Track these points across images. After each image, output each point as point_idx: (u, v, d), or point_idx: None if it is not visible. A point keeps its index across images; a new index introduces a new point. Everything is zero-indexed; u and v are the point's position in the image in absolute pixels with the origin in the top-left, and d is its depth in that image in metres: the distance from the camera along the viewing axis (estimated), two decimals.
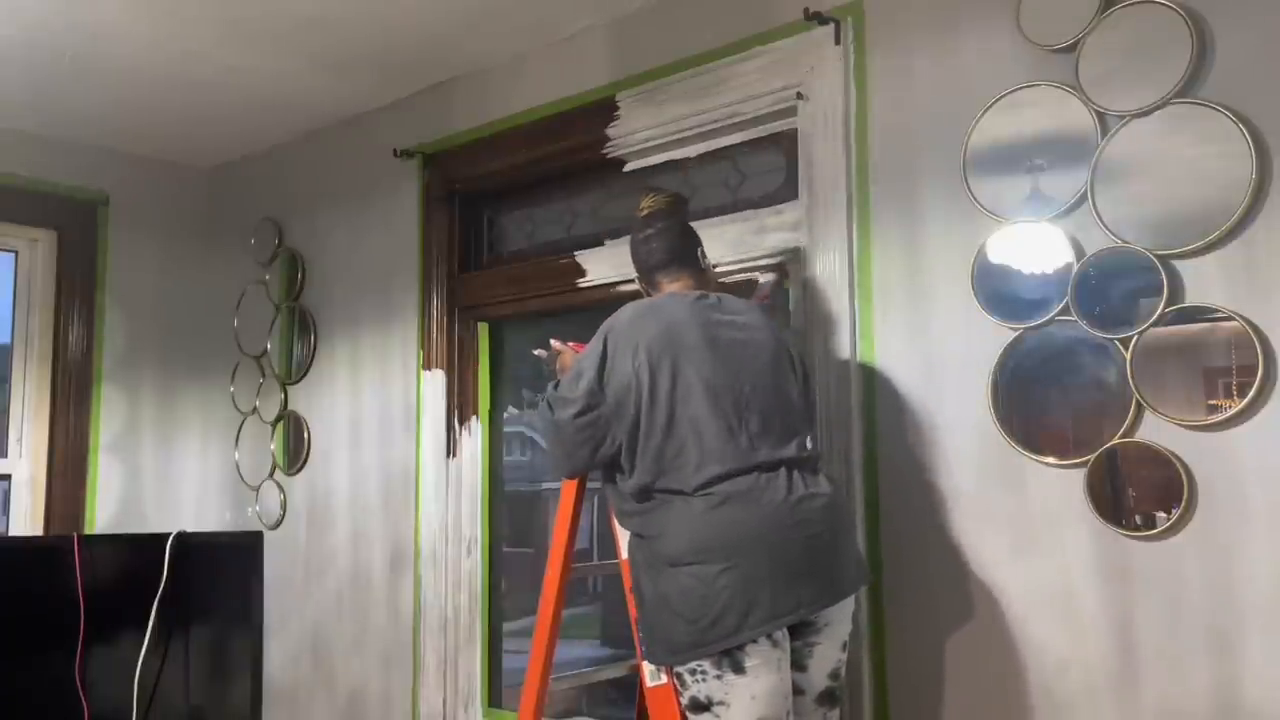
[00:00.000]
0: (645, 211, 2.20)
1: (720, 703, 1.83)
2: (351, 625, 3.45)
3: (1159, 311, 1.94)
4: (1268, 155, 1.86)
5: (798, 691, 1.93)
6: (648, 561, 1.94)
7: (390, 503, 3.36)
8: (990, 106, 2.17)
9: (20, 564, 2.30)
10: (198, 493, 4.04)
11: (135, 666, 2.23)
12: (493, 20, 2.91)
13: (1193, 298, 1.93)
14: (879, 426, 2.31)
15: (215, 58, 3.12)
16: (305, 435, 3.66)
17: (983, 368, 2.16)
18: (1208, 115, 1.91)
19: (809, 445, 1.98)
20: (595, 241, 2.98)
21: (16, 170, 3.68)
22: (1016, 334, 2.12)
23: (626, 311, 2.07)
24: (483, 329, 3.29)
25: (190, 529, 2.55)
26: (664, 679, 1.98)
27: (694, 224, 2.28)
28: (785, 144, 2.59)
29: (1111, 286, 2.01)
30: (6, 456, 3.70)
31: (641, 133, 2.79)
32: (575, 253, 2.98)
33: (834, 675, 1.96)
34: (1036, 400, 2.11)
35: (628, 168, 2.91)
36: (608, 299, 2.80)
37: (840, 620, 1.94)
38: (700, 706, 1.85)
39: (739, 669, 1.81)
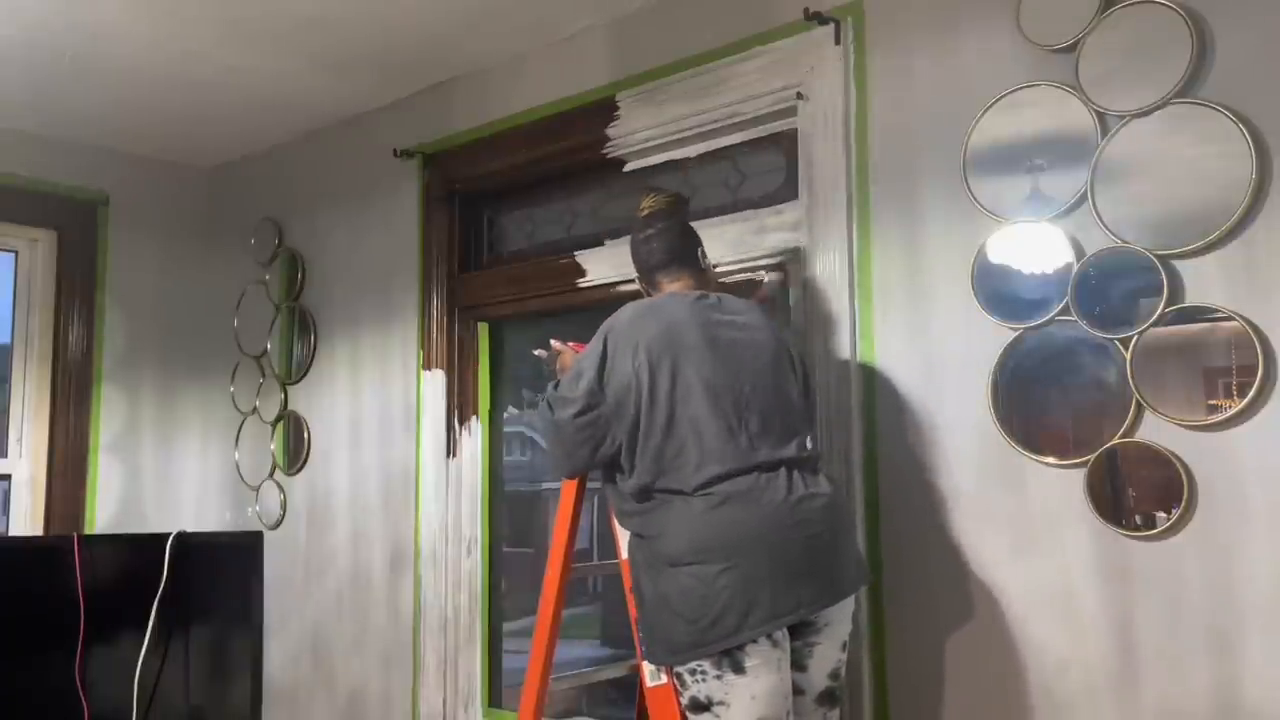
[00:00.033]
0: (645, 211, 2.21)
1: (720, 703, 1.83)
2: (351, 625, 3.45)
3: (1159, 311, 1.94)
4: (1268, 155, 1.86)
5: (798, 691, 1.93)
6: (648, 561, 1.94)
7: (390, 503, 3.36)
8: (990, 106, 2.17)
9: (20, 564, 2.30)
10: (198, 493, 4.04)
11: (135, 666, 2.23)
12: (493, 20, 2.91)
13: (1193, 298, 1.93)
14: (879, 426, 2.31)
15: (215, 58, 3.12)
16: (305, 435, 3.66)
17: (983, 368, 2.16)
18: (1208, 115, 1.91)
19: (809, 445, 1.98)
20: (595, 241, 2.98)
21: (16, 170, 3.68)
22: (1016, 334, 2.12)
23: (626, 311, 2.07)
24: (483, 329, 3.29)
25: (190, 529, 2.55)
26: (664, 679, 1.98)
27: (694, 224, 2.28)
28: (785, 144, 2.59)
29: (1111, 286, 2.01)
30: (6, 456, 3.70)
31: (641, 133, 2.79)
32: (575, 253, 2.98)
33: (834, 675, 1.96)
34: (1036, 400, 2.11)
35: (628, 168, 2.91)
36: (608, 299, 2.80)
37: (840, 620, 1.94)
38: (700, 706, 1.85)
39: (739, 669, 1.81)
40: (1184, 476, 1.91)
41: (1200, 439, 1.91)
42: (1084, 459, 2.02)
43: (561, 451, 2.06)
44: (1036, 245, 2.11)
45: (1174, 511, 1.92)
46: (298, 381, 3.71)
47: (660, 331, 1.98)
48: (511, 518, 3.32)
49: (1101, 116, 2.04)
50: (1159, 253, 1.95)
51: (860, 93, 2.39)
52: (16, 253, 3.78)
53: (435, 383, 3.26)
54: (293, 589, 3.62)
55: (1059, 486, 2.06)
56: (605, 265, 2.89)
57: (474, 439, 3.23)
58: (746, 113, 2.59)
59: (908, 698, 2.23)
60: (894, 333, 2.30)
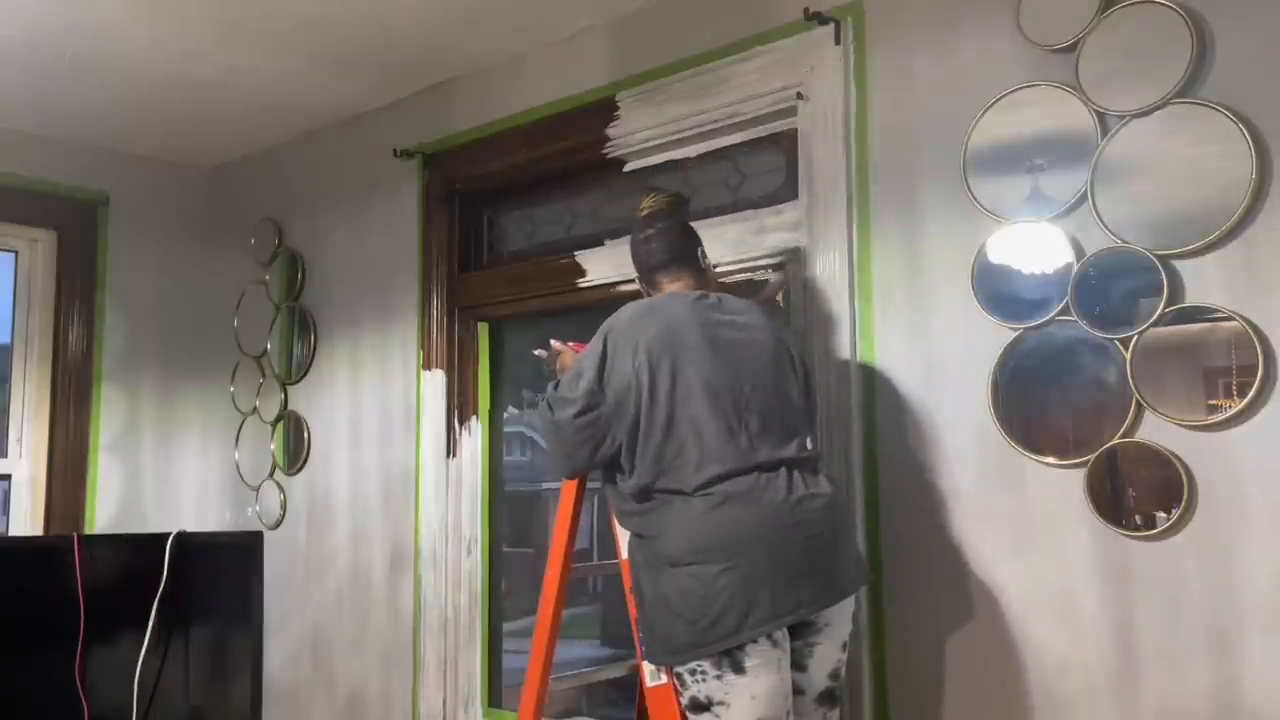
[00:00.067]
0: (645, 211, 2.20)
1: (720, 703, 1.83)
2: (351, 625, 3.45)
3: (1159, 311, 1.94)
4: (1268, 155, 1.86)
5: (798, 691, 1.93)
6: (648, 561, 1.94)
7: (390, 503, 3.36)
8: (990, 106, 2.17)
9: (20, 564, 2.30)
10: (198, 493, 4.04)
11: (135, 666, 2.23)
12: (493, 20, 2.91)
13: (1193, 298, 1.93)
14: (879, 426, 2.31)
15: (215, 58, 3.12)
16: (305, 435, 3.66)
17: (983, 368, 2.16)
18: (1208, 115, 1.91)
19: (809, 445, 1.98)
20: (595, 241, 2.98)
21: (16, 170, 3.68)
22: (1016, 334, 2.12)
23: (626, 311, 2.07)
24: (483, 329, 3.29)
25: (190, 529, 2.54)
26: (664, 679, 1.98)
27: (694, 224, 2.28)
28: (785, 144, 2.59)
29: (1111, 286, 2.01)
30: (6, 456, 3.70)
31: (641, 133, 2.79)
32: (575, 253, 2.98)
33: (834, 675, 1.96)
34: (1036, 400, 2.11)
35: (628, 168, 2.91)
36: (608, 299, 2.80)
37: (840, 620, 1.94)
38: (700, 706, 1.85)
39: (739, 669, 1.81)
40: (1184, 476, 1.91)
41: (1200, 439, 1.91)
42: (1084, 459, 2.02)
43: (561, 452, 2.06)
44: (1036, 245, 2.11)
45: (1174, 511, 1.92)
46: (298, 381, 3.71)
47: (660, 331, 1.98)
48: (511, 518, 3.32)
49: (1101, 116, 2.04)
50: (1159, 253, 1.95)
51: (860, 93, 2.39)
52: (16, 253, 3.78)
53: (435, 383, 3.26)
54: (293, 589, 3.62)
55: (1059, 486, 2.06)
56: (605, 265, 2.89)
57: (474, 439, 3.23)
58: (746, 113, 2.59)
59: (908, 698, 2.23)
60: (894, 333, 2.30)
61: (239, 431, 3.92)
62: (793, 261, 2.50)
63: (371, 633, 3.38)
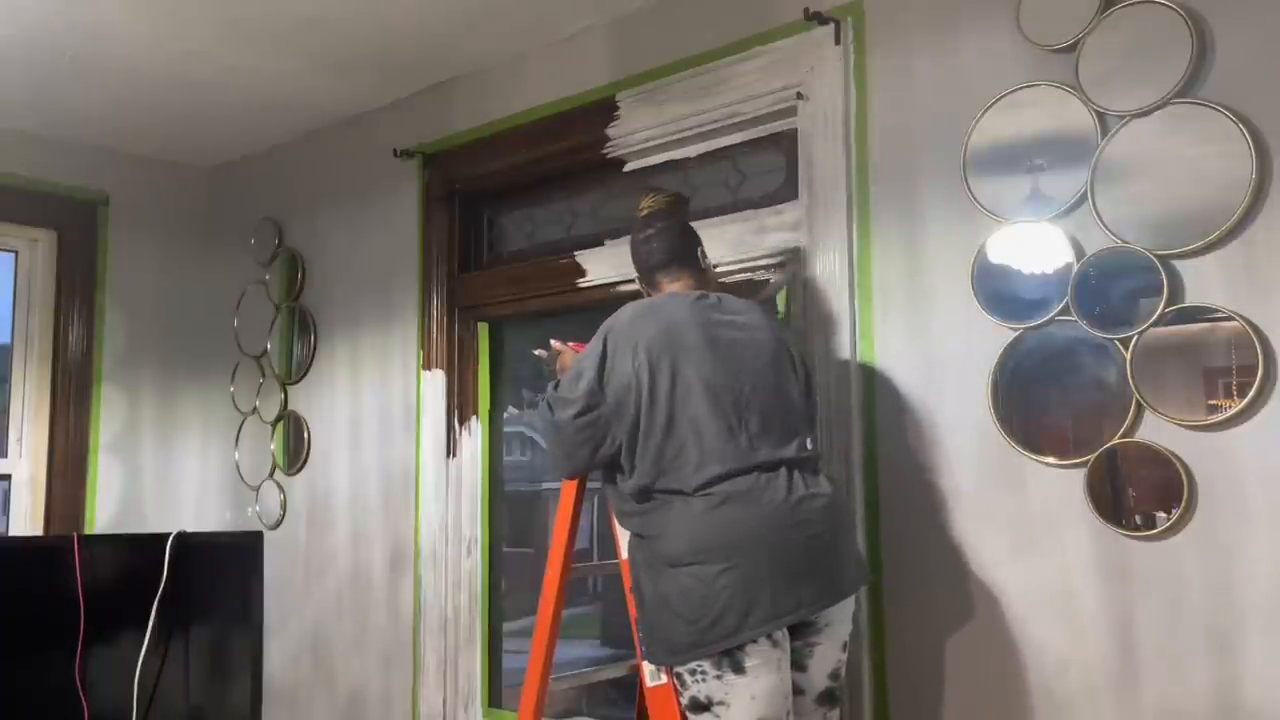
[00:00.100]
0: (645, 211, 2.20)
1: (720, 703, 1.83)
2: (351, 625, 3.45)
3: (1159, 311, 1.94)
4: (1268, 155, 1.86)
5: (798, 691, 1.93)
6: (648, 562, 1.93)
7: (390, 503, 3.36)
8: (990, 106, 2.17)
9: (20, 564, 2.30)
10: (198, 493, 4.04)
11: (135, 666, 2.23)
12: (493, 20, 2.91)
13: (1193, 298, 1.93)
14: (879, 426, 2.31)
15: (215, 58, 3.12)
16: (305, 435, 3.66)
17: (983, 368, 2.16)
18: (1208, 115, 1.91)
19: (809, 445, 1.98)
20: (595, 241, 2.98)
21: (16, 170, 3.68)
22: (1016, 334, 2.12)
23: (626, 311, 2.07)
24: (483, 329, 3.29)
25: (190, 529, 2.55)
26: (664, 679, 1.98)
27: (694, 224, 2.27)
28: (785, 144, 2.59)
29: (1111, 286, 2.01)
30: (6, 456, 3.70)
31: (641, 133, 2.79)
32: (575, 253, 2.98)
33: (834, 675, 1.96)
34: (1036, 400, 2.11)
35: (628, 168, 2.91)
36: (608, 299, 2.80)
37: (840, 620, 1.94)
38: (700, 706, 1.85)
39: (739, 669, 1.81)
40: (1184, 476, 1.91)
41: (1200, 439, 1.91)
42: (1084, 459, 2.02)
43: (561, 452, 2.06)
44: (1036, 245, 2.11)
45: (1174, 511, 1.92)
46: (298, 381, 3.71)
47: (660, 332, 1.98)
48: (511, 518, 3.32)
49: (1101, 116, 2.04)
50: (1159, 253, 1.95)
51: (860, 93, 2.39)
52: (16, 253, 3.78)
53: (435, 383, 3.26)
54: (293, 589, 3.62)
55: (1059, 486, 2.06)
56: (605, 265, 2.89)
57: (474, 439, 3.23)
58: (746, 113, 2.59)
59: (908, 698, 2.23)
60: (894, 333, 2.30)
61: (239, 431, 3.92)
62: (793, 261, 2.50)
63: (371, 633, 3.38)
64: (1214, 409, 1.90)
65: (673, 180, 2.78)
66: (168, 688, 2.28)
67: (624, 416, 1.96)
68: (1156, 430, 1.95)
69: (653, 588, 1.91)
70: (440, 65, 3.21)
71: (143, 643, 2.25)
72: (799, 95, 2.47)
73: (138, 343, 3.92)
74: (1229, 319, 1.88)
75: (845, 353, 2.35)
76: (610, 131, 2.85)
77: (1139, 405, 1.97)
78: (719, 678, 1.82)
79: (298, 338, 3.73)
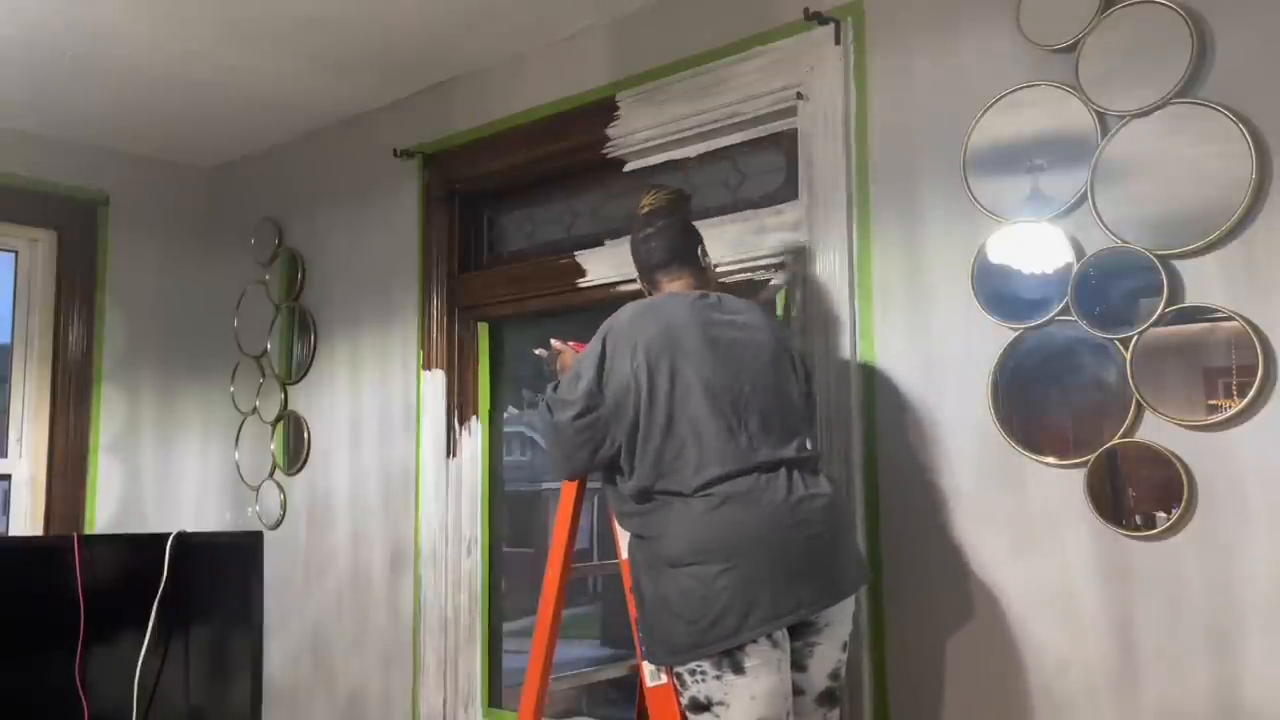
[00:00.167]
0: (646, 209, 2.20)
1: (720, 703, 1.83)
2: (351, 625, 3.45)
3: (1159, 311, 1.94)
4: (1268, 155, 1.86)
5: (798, 692, 1.93)
6: (648, 562, 1.93)
7: (390, 503, 3.36)
8: (990, 106, 2.17)
9: (20, 564, 2.30)
10: (198, 493, 4.04)
11: (135, 666, 2.23)
12: (493, 20, 2.91)
13: (1193, 298, 1.93)
14: (879, 426, 2.31)
15: (215, 58, 3.12)
16: (305, 435, 3.66)
17: (983, 368, 2.16)
18: (1208, 115, 1.91)
19: (809, 445, 1.98)
20: (595, 241, 2.98)
21: (16, 170, 3.68)
22: (1016, 334, 2.12)
23: (626, 311, 2.06)
24: (483, 329, 3.29)
25: (190, 529, 2.55)
26: (664, 679, 1.98)
27: (694, 224, 2.27)
28: (785, 144, 2.59)
29: (1111, 286, 2.01)
30: (6, 456, 3.70)
31: (641, 133, 2.79)
32: (575, 253, 2.98)
33: (834, 675, 1.96)
34: (1036, 400, 2.11)
35: (628, 168, 2.91)
36: (608, 299, 2.80)
37: (840, 620, 1.94)
38: (700, 707, 1.85)
39: (739, 669, 1.81)
40: (1184, 476, 1.91)
41: (1200, 439, 1.91)
42: (1084, 459, 2.02)
43: (561, 453, 2.05)
44: (1036, 245, 2.11)
45: (1174, 511, 1.92)
46: (298, 381, 3.71)
47: (659, 332, 1.98)
48: (511, 518, 3.32)
49: (1101, 116, 2.04)
50: (1159, 253, 1.95)
51: (860, 93, 2.39)
52: (16, 253, 3.78)
53: (435, 383, 3.26)
54: (293, 589, 3.62)
55: (1059, 486, 2.06)
56: (605, 265, 2.89)
57: (474, 439, 3.23)
58: (746, 113, 2.59)
59: (908, 698, 2.23)
60: (894, 333, 2.30)
61: (239, 431, 3.92)
62: (793, 261, 2.50)
63: (371, 633, 3.38)
64: (1214, 409, 1.90)
65: (673, 180, 2.77)
66: (168, 688, 2.28)
67: (623, 417, 1.96)
68: (1156, 430, 1.95)
69: (653, 588, 1.91)
70: (440, 65, 3.21)
71: (143, 643, 2.25)
72: (799, 95, 2.47)
73: (138, 343, 3.92)
74: (1229, 319, 1.88)
75: (845, 353, 2.35)
76: (610, 131, 2.85)
77: (1139, 405, 1.97)
78: (719, 678, 1.82)
79: (298, 338, 3.73)
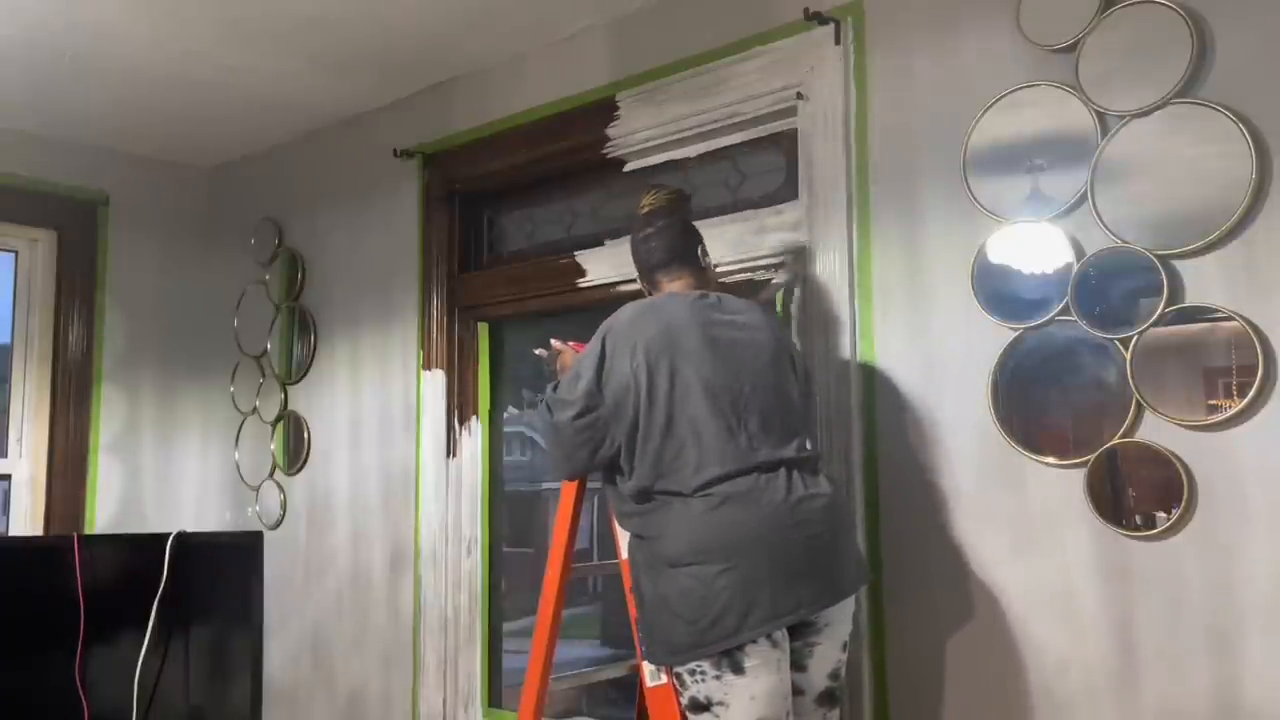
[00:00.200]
0: (646, 209, 2.20)
1: (720, 703, 1.83)
2: (351, 625, 3.45)
3: (1159, 311, 1.94)
4: (1268, 155, 1.86)
5: (797, 692, 1.92)
6: (648, 562, 1.93)
7: (390, 503, 3.36)
8: (990, 106, 2.17)
9: (20, 564, 2.30)
10: (198, 493, 4.04)
11: (135, 666, 2.23)
12: (493, 20, 2.91)
13: (1193, 298, 1.93)
14: (879, 426, 2.31)
15: (215, 58, 3.12)
16: (305, 435, 3.66)
17: (983, 368, 2.16)
18: (1208, 115, 1.91)
19: (809, 445, 1.98)
20: (595, 241, 2.98)
21: (16, 170, 3.68)
22: (1016, 334, 2.12)
23: (625, 311, 2.06)
24: (483, 329, 3.29)
25: (190, 529, 2.55)
26: (664, 679, 1.98)
27: (694, 224, 2.27)
28: (785, 144, 2.59)
29: (1111, 286, 2.01)
30: (6, 456, 3.70)
31: (641, 133, 2.79)
32: (575, 253, 2.98)
33: (834, 675, 1.96)
34: (1036, 400, 2.11)
35: (628, 168, 2.91)
36: (608, 299, 2.80)
37: (840, 620, 1.94)
38: (700, 707, 1.85)
39: (738, 669, 1.81)
40: (1184, 476, 1.91)
41: (1200, 439, 1.91)
42: (1084, 459, 2.02)
43: (561, 454, 2.05)
44: (1036, 245, 2.11)
45: (1174, 511, 1.92)
46: (298, 381, 3.72)
47: (659, 332, 1.98)
48: (511, 518, 3.32)
49: (1101, 116, 2.04)
50: (1159, 253, 1.95)
51: (860, 93, 2.39)
52: (16, 253, 3.78)
53: (435, 383, 3.26)
54: (293, 589, 3.62)
55: (1059, 486, 2.06)
56: (605, 265, 2.89)
57: (474, 439, 3.23)
58: (746, 113, 2.59)
59: (908, 698, 2.23)
60: (894, 333, 2.30)
61: (239, 431, 3.92)
62: (793, 261, 2.50)
63: (371, 633, 3.38)
64: (1214, 409, 1.90)
65: (673, 180, 2.77)
66: (168, 688, 2.28)
67: (623, 418, 1.96)
68: (1156, 430, 1.95)
69: (652, 588, 1.91)
70: (440, 65, 3.21)
71: (143, 643, 2.25)
72: (799, 95, 2.47)
73: (138, 343, 3.92)
74: (1229, 319, 1.88)
75: (845, 353, 2.35)
76: (610, 131, 2.85)
77: (1139, 405, 1.97)
78: (718, 678, 1.82)
79: (298, 338, 3.73)
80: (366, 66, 3.20)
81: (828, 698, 1.96)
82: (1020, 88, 2.14)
